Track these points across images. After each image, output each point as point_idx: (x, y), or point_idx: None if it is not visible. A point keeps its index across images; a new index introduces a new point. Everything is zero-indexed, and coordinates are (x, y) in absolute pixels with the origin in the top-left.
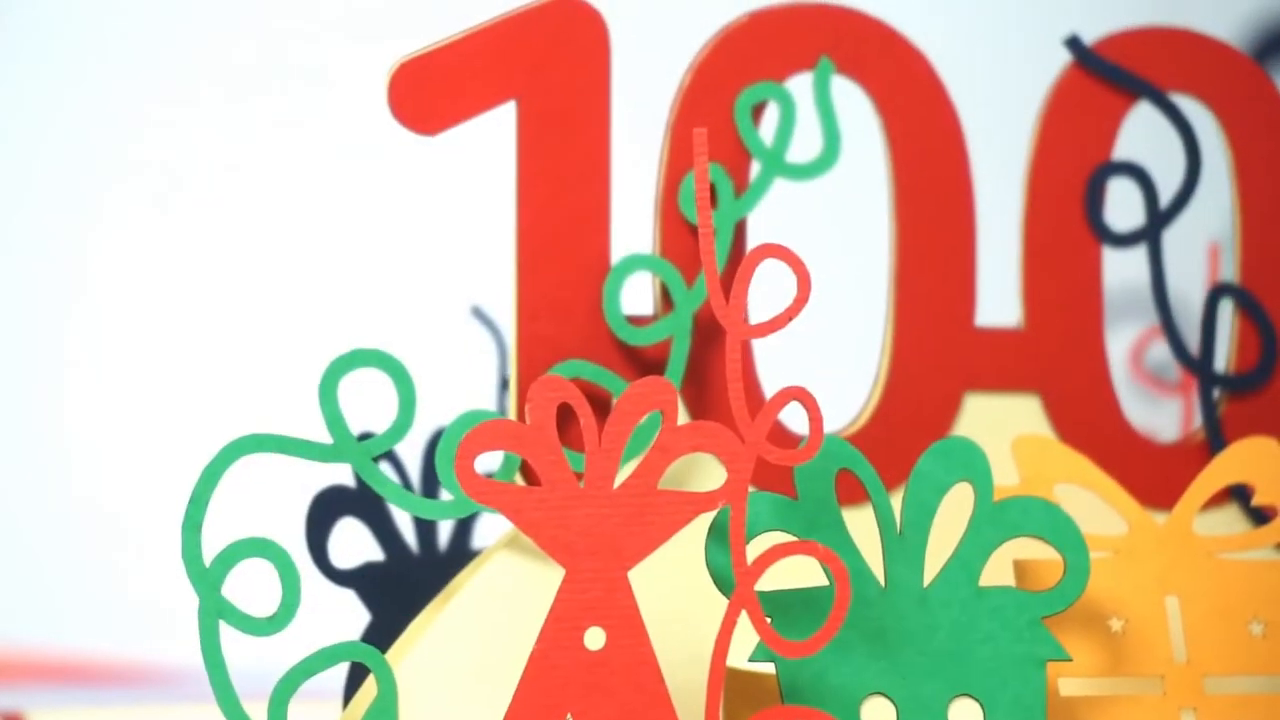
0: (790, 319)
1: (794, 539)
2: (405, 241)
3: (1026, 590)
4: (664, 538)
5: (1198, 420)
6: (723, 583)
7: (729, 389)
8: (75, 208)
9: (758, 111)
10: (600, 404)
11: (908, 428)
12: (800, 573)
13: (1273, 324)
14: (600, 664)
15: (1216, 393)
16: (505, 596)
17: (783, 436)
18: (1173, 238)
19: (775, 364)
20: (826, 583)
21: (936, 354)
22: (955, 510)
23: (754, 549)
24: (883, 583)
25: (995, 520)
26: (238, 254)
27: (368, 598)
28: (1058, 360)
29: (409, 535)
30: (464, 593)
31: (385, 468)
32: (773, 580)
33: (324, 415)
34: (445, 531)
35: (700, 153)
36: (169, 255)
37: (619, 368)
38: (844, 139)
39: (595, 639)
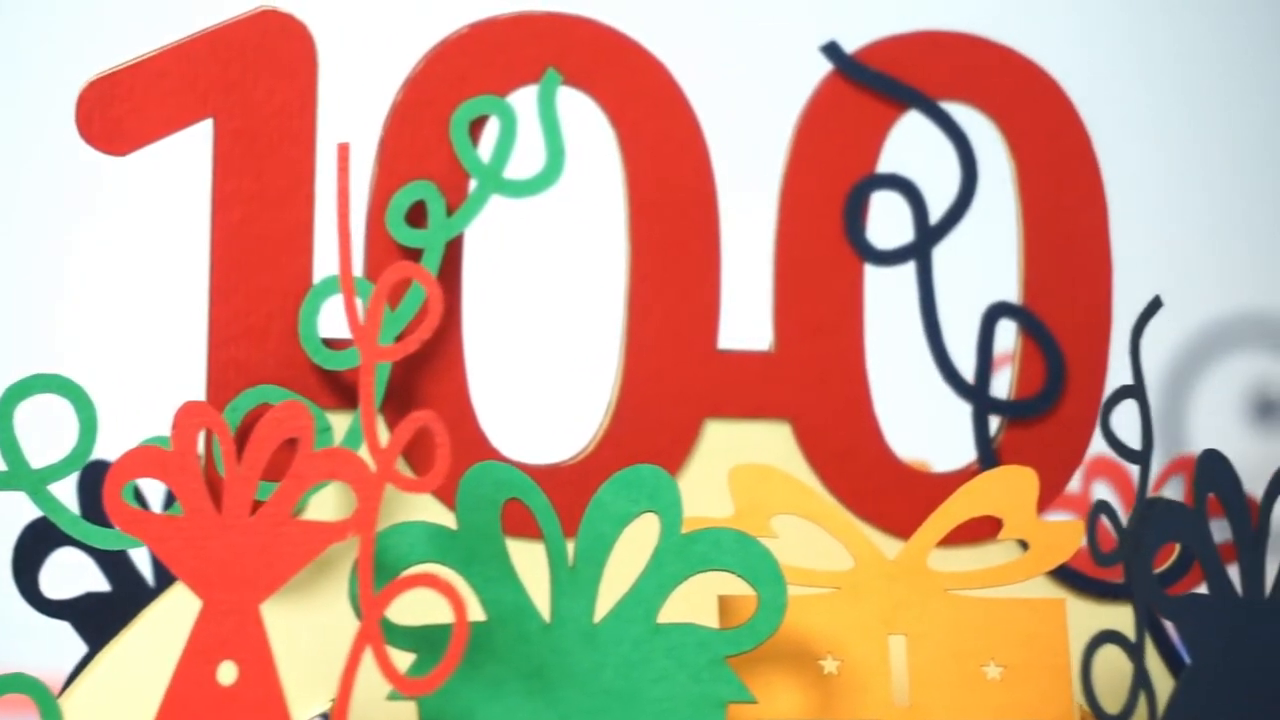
0: (421, 341)
1: (424, 571)
2: (106, 264)
3: (726, 627)
4: (296, 568)
5: None
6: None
7: (362, 413)
8: None
9: (478, 126)
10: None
11: (640, 456)
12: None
13: (1058, 346)
14: (231, 699)
15: (996, 421)
16: (179, 628)
17: None
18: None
19: (503, 387)
20: (484, 617)
21: (673, 378)
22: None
23: None
24: (547, 618)
25: (681, 553)
26: None
27: (84, 629)
28: (811, 385)
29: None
30: (140, 624)
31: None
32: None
33: None
34: None
35: (342, 168)
36: None
37: (317, 393)
38: (577, 153)
39: (228, 673)
